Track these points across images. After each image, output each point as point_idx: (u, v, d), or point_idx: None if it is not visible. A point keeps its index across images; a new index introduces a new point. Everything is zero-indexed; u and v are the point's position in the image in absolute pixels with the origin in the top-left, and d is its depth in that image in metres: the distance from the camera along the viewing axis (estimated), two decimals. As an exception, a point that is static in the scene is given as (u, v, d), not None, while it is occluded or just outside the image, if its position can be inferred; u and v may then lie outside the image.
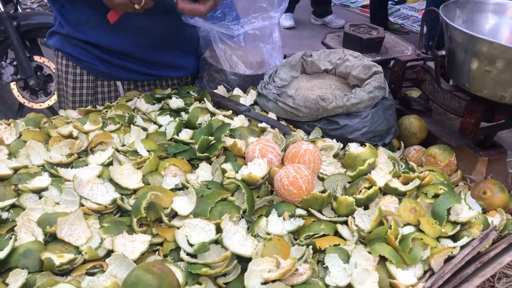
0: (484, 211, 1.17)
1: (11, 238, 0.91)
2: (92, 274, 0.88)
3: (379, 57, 1.66)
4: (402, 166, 1.23)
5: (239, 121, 1.36)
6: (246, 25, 1.44)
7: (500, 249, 0.98)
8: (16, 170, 1.12)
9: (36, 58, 3.42)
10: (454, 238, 1.02)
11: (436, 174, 1.21)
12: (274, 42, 1.56)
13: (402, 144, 1.41)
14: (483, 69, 1.19)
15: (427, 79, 1.49)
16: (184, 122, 1.32)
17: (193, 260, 0.90)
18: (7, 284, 0.84)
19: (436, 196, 1.08)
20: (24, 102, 3.57)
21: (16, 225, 0.95)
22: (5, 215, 1.00)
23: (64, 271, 0.88)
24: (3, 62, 3.40)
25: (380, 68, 1.43)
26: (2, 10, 3.24)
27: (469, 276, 0.92)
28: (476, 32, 1.16)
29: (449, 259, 0.96)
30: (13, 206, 1.03)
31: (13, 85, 3.60)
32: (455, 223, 1.03)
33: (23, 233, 0.94)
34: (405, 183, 1.12)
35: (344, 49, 1.58)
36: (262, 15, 1.45)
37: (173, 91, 1.56)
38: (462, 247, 0.98)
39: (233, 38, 1.49)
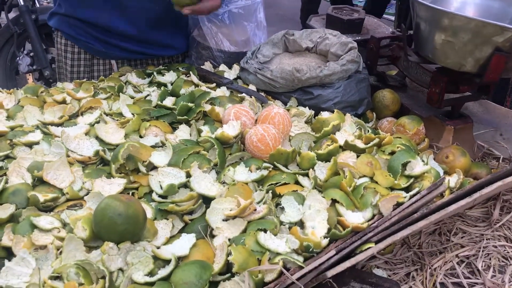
0: (447, 174, 1.25)
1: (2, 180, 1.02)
2: (73, 210, 0.98)
3: (359, 37, 1.75)
4: (368, 131, 1.31)
5: (221, 92, 1.46)
6: (230, 4, 1.55)
7: (448, 199, 1.06)
8: (12, 128, 1.24)
9: (52, 50, 3.59)
10: (408, 190, 1.10)
11: (402, 140, 1.30)
12: (259, 21, 1.66)
13: (374, 115, 1.50)
14: (445, 40, 1.27)
15: (401, 56, 1.57)
16: (168, 91, 1.43)
17: (162, 200, 1.00)
18: (-3, 218, 0.95)
19: (393, 153, 1.16)
20: (39, 91, 3.73)
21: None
22: (-1, 164, 1.12)
23: (48, 208, 0.99)
24: (20, 53, 3.58)
25: (355, 44, 1.52)
26: (22, 4, 3.42)
27: (415, 220, 1.00)
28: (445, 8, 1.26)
29: (400, 206, 1.04)
30: (7, 157, 1.15)
31: (28, 76, 3.78)
32: (409, 176, 1.12)
33: (14, 177, 1.05)
34: (367, 143, 1.20)
35: (325, 29, 1.67)
36: (245, -6, 1.55)
37: (164, 68, 1.66)
38: (412, 197, 1.06)
39: (218, 17, 1.59)
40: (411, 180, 1.11)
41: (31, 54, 3.57)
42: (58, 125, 1.26)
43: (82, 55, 1.73)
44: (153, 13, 1.63)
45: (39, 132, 1.21)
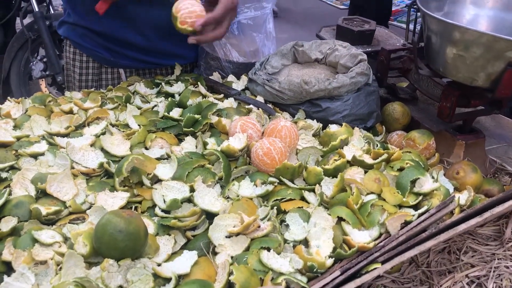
0: (458, 190, 1.22)
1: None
2: (75, 224, 0.97)
3: (369, 49, 1.73)
4: (377, 146, 1.29)
5: (228, 103, 1.44)
6: (239, 15, 1.54)
7: (457, 218, 1.04)
8: (18, 138, 1.23)
9: None
10: (416, 208, 1.08)
11: (412, 155, 1.27)
12: (268, 32, 1.65)
13: (384, 129, 1.47)
14: (456, 54, 1.25)
15: (412, 68, 1.55)
16: (176, 102, 1.42)
17: (165, 215, 0.99)
18: (-1, 229, 0.94)
19: (402, 169, 1.14)
20: (50, 98, 3.77)
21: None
22: (4, 174, 1.11)
23: (50, 221, 0.98)
24: (34, 59, 3.62)
25: (365, 56, 1.50)
26: (37, 10, 3.46)
27: (423, 239, 0.98)
28: (456, 22, 1.23)
29: (408, 225, 1.02)
30: (12, 168, 1.14)
31: (41, 81, 3.83)
32: (418, 194, 1.09)
33: (18, 189, 1.05)
34: (375, 158, 1.18)
35: (335, 40, 1.65)
36: (255, 5, 1.54)
37: (172, 78, 1.66)
38: (421, 215, 1.04)
39: (227, 27, 1.58)
40: (420, 198, 1.09)
41: (44, 59, 3.61)
42: (64, 135, 1.26)
43: (90, 63, 1.73)
44: (162, 23, 1.63)
45: (45, 143, 1.21)
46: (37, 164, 1.12)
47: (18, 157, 1.17)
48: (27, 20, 3.70)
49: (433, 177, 1.16)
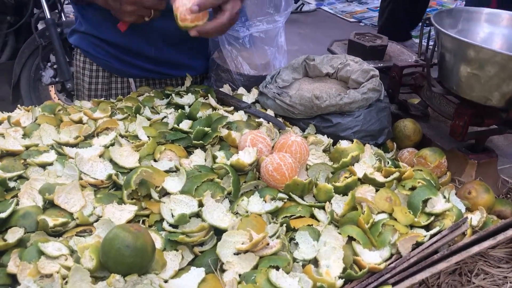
0: (469, 211, 1.20)
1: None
2: (82, 236, 0.96)
3: (381, 64, 1.72)
4: (388, 163, 1.27)
5: (238, 116, 1.43)
6: (251, 28, 1.54)
7: (470, 240, 1.02)
8: (27, 147, 1.23)
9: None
10: (428, 228, 1.06)
11: (423, 173, 1.25)
12: (279, 45, 1.65)
13: (395, 145, 1.46)
14: (470, 73, 1.24)
15: (424, 85, 1.54)
16: (186, 114, 1.41)
17: (173, 230, 0.97)
18: (5, 240, 0.93)
19: (413, 188, 1.12)
20: (59, 104, 3.79)
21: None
22: (12, 184, 1.10)
23: (57, 233, 0.97)
24: (44, 65, 3.64)
25: (377, 72, 1.49)
26: (49, 17, 3.48)
27: (435, 261, 0.96)
28: (470, 40, 1.22)
29: (419, 246, 1.00)
30: (20, 177, 1.14)
31: (51, 87, 3.85)
32: (429, 214, 1.08)
33: (25, 199, 1.04)
34: (386, 176, 1.16)
35: (346, 54, 1.65)
36: (267, 18, 1.54)
37: (183, 89, 1.65)
38: (433, 236, 1.02)
39: (239, 40, 1.58)
40: (432, 218, 1.07)
41: (55, 66, 3.64)
42: (73, 145, 1.25)
43: (100, 72, 1.73)
44: (173, 33, 1.62)
45: (54, 153, 1.20)
46: (45, 174, 1.12)
47: (26, 166, 1.17)
48: (38, 26, 3.73)
49: (445, 197, 1.14)
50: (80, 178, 1.11)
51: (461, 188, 1.29)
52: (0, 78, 3.87)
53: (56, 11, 3.72)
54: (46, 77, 3.67)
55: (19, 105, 1.44)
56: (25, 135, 1.30)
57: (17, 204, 1.01)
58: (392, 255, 0.97)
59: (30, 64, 3.77)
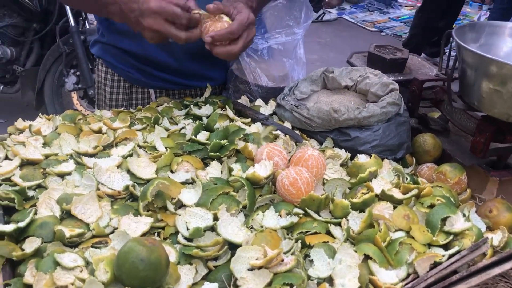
0: (490, 230, 1.18)
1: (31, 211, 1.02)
2: (97, 248, 0.97)
3: (401, 77, 1.70)
4: (407, 179, 1.25)
5: (255, 128, 1.43)
6: (270, 40, 1.54)
7: (491, 261, 0.99)
8: (47, 156, 1.25)
9: None
10: (446, 247, 1.04)
11: (442, 190, 1.23)
12: (298, 57, 1.64)
13: (414, 160, 1.43)
14: (492, 89, 1.21)
15: (445, 99, 1.51)
16: (203, 125, 1.42)
17: (187, 243, 0.97)
18: (23, 249, 0.95)
19: (432, 206, 1.10)
20: (81, 111, 3.85)
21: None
22: (31, 193, 1.12)
23: (73, 243, 0.98)
24: (67, 72, 3.71)
25: (396, 86, 1.47)
26: (73, 24, 3.55)
27: (453, 283, 0.94)
28: (493, 55, 1.20)
29: (437, 267, 0.98)
30: (39, 186, 1.15)
31: (73, 94, 3.92)
32: (448, 233, 1.05)
33: (43, 209, 1.05)
34: (404, 193, 1.15)
35: (366, 67, 1.63)
36: (286, 31, 1.54)
37: (201, 100, 1.66)
38: (451, 256, 1.00)
39: (257, 52, 1.58)
40: (451, 237, 1.05)
41: (78, 73, 3.70)
42: (91, 155, 1.27)
43: (121, 83, 1.75)
44: (194, 45, 1.63)
45: (72, 162, 1.22)
46: (64, 184, 1.13)
47: (45, 175, 1.18)
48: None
49: (464, 215, 1.12)
50: (98, 189, 1.12)
51: (482, 206, 1.26)
52: (25, 84, 3.96)
53: (80, 18, 3.79)
54: (69, 84, 3.75)
55: (40, 114, 1.46)
56: (45, 144, 1.32)
57: (35, 213, 1.03)
58: (409, 275, 0.95)
59: (53, 70, 3.84)
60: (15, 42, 3.88)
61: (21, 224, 0.98)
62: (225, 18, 1.29)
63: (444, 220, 1.07)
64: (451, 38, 1.34)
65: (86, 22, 3.86)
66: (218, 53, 1.32)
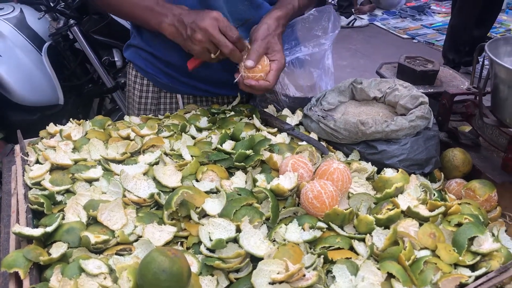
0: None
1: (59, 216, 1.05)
2: (121, 255, 0.98)
3: (431, 90, 1.67)
4: (434, 195, 1.23)
5: (281, 138, 1.43)
6: (297, 52, 1.53)
7: (519, 285, 0.96)
8: (76, 162, 1.28)
9: None
10: (473, 268, 1.01)
11: (471, 207, 1.20)
12: (326, 68, 1.63)
13: (443, 175, 1.40)
14: (526, 105, 1.18)
15: (476, 114, 1.48)
16: (229, 134, 1.42)
17: (209, 254, 0.98)
18: (50, 254, 0.97)
19: (459, 225, 1.08)
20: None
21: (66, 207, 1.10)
22: (59, 198, 1.15)
23: (98, 250, 1.00)
24: None
25: (426, 99, 1.44)
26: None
27: (479, 306, 0.91)
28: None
29: None
30: (67, 191, 1.18)
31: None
32: (475, 253, 1.03)
33: (70, 214, 1.08)
34: (431, 210, 1.12)
35: (395, 79, 1.61)
36: (313, 42, 1.53)
37: (228, 108, 1.67)
38: (478, 278, 0.97)
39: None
40: (478, 258, 1.02)
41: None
42: (119, 162, 1.29)
43: (150, 87, 1.78)
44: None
45: (100, 168, 1.24)
46: (91, 190, 1.15)
47: (74, 180, 1.21)
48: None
49: (493, 235, 1.09)
50: (124, 195, 1.14)
51: (512, 226, 1.22)
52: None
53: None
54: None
55: (71, 119, 1.49)
56: (75, 149, 1.36)
57: (63, 218, 1.05)
58: (433, 295, 0.93)
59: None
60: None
61: (49, 229, 1.00)
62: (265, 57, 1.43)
63: (471, 239, 1.05)
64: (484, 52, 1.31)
65: None
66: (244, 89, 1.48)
